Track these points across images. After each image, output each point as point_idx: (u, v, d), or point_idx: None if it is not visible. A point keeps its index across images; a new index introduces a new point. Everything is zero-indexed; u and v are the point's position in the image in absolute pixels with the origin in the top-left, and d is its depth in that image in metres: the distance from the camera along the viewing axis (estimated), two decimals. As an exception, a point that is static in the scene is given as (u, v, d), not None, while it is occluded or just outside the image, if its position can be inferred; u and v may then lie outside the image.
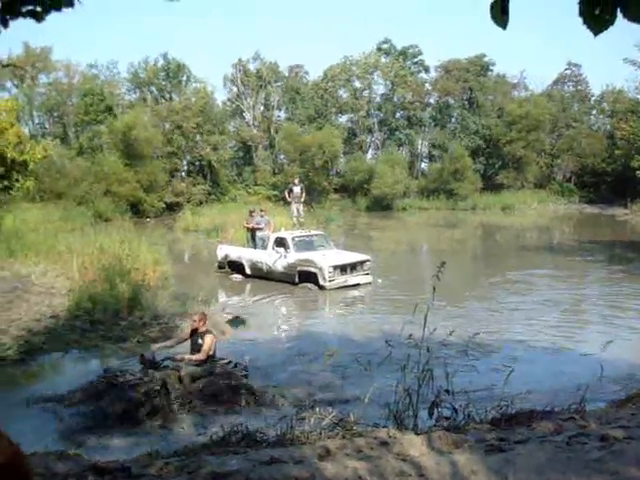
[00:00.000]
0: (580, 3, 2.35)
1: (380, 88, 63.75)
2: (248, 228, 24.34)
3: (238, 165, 60.04)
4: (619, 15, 2.33)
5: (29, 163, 26.77)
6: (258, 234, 23.46)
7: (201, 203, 50.14)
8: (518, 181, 57.63)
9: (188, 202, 49.92)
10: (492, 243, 36.44)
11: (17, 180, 26.50)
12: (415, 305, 6.66)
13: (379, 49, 63.85)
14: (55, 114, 57.76)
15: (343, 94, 63.35)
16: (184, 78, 57.52)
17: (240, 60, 59.96)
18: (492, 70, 62.93)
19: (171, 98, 56.89)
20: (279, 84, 62.39)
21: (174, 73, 56.64)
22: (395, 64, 61.36)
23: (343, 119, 64.58)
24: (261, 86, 60.27)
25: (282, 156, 59.01)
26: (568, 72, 64.27)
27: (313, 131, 56.12)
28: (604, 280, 21.94)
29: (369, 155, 63.47)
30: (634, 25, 2.37)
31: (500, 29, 2.47)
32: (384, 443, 5.13)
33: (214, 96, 57.74)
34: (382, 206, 53.15)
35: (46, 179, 40.96)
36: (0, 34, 2.79)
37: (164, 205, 49.04)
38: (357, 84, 63.07)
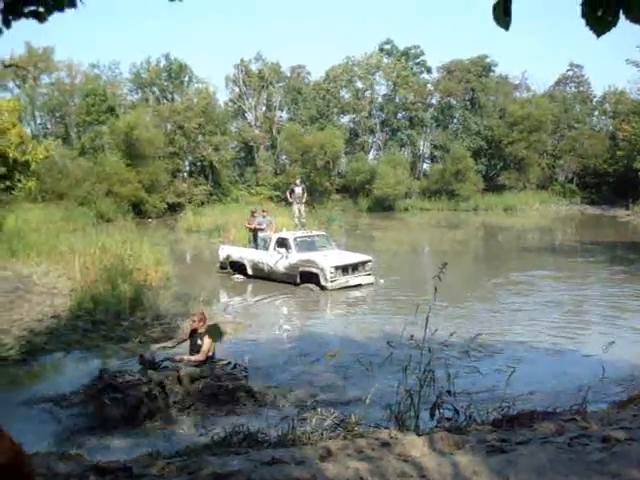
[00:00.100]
0: (582, 4, 2.35)
1: (382, 89, 63.92)
2: (250, 229, 24.35)
3: (240, 165, 60.07)
4: (622, 16, 2.33)
5: (31, 163, 26.86)
6: (260, 235, 23.47)
7: (203, 204, 50.19)
8: (520, 182, 57.62)
9: (190, 202, 49.98)
10: (494, 244, 36.44)
11: (19, 180, 26.58)
12: (417, 306, 6.66)
13: (381, 50, 63.87)
14: (57, 114, 57.85)
15: (345, 94, 63.44)
16: (186, 78, 57.61)
17: (242, 60, 60.10)
18: (494, 71, 63.03)
19: (173, 98, 56.96)
20: (281, 84, 62.45)
21: (176, 73, 56.69)
22: (397, 65, 61.36)
23: (345, 119, 64.68)
24: (263, 86, 60.30)
25: (284, 156, 59.06)
26: (570, 73, 64.33)
27: (315, 131, 56.18)
28: (606, 281, 21.93)
29: (371, 156, 63.53)
30: (636, 26, 2.38)
31: (502, 30, 2.47)
32: (385, 444, 5.13)
33: (216, 96, 57.98)
34: (384, 207, 53.19)
35: (48, 179, 40.99)
36: (2, 34, 2.80)
37: (166, 205, 49.09)
38: (359, 84, 63.17)
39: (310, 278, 20.17)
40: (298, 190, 27.74)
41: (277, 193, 51.85)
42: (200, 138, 53.41)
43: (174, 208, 49.25)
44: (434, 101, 63.92)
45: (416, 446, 4.95)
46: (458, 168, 54.11)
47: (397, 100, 62.29)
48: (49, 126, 58.62)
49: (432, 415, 6.12)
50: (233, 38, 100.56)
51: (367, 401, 6.40)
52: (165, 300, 17.13)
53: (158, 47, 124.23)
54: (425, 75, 64.66)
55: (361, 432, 5.75)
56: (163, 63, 57.05)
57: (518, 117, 56.41)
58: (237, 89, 61.16)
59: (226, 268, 23.20)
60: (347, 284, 20.08)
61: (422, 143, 64.23)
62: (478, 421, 6.10)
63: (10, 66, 42.30)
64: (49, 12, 2.81)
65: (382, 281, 20.75)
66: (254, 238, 23.82)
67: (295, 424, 6.18)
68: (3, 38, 2.83)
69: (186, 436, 8.19)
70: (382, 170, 53.72)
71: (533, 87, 65.16)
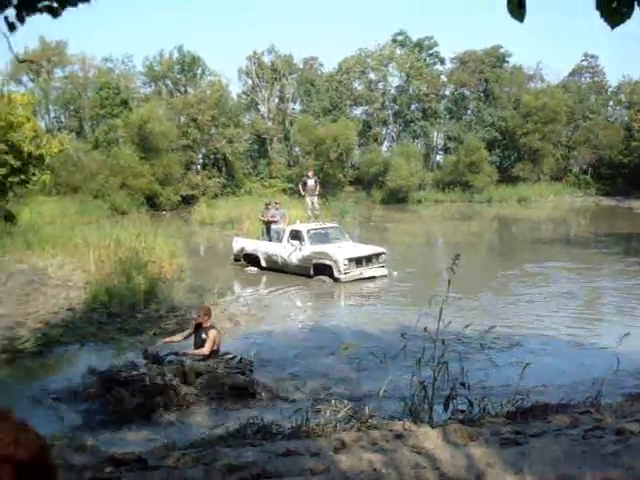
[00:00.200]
0: (597, -4, 2.33)
1: (395, 80, 63.69)
2: (263, 221, 24.38)
3: (253, 158, 60.06)
4: (636, 7, 2.31)
5: (45, 157, 26.96)
6: (273, 227, 23.50)
7: (216, 196, 50.30)
8: (534, 173, 57.33)
9: (203, 195, 50.09)
10: (508, 235, 36.33)
11: (34, 174, 26.68)
12: (430, 298, 6.65)
13: (394, 41, 63.58)
14: (71, 108, 58.07)
15: (358, 86, 63.24)
16: (199, 71, 57.72)
17: (255, 53, 59.95)
18: (508, 62, 62.63)
19: (186, 91, 57.05)
20: (294, 76, 62.30)
21: (189, 66, 56.78)
22: (410, 56, 61.12)
23: (358, 111, 64.57)
24: (276, 79, 60.22)
25: (297, 149, 59.09)
26: (585, 63, 63.80)
27: (328, 123, 56.04)
28: (620, 273, 21.80)
29: (384, 147, 63.47)
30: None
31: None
32: (399, 436, 5.15)
33: (229, 89, 58.15)
34: (397, 199, 53.07)
35: (62, 173, 41.22)
36: (16, 29, 2.82)
37: (180, 198, 49.27)
38: (372, 76, 62.97)
39: (323, 270, 20.17)
40: (311, 182, 27.70)
41: (290, 185, 51.77)
42: (213, 130, 53.51)
43: (188, 200, 49.38)
44: (447, 92, 63.73)
45: (430, 438, 4.96)
46: (472, 159, 53.86)
47: (410, 91, 61.99)
48: (63, 120, 58.90)
49: (446, 407, 6.14)
50: (246, 31, 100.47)
51: (381, 393, 6.42)
52: (179, 292, 17.19)
53: (171, 40, 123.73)
54: (438, 66, 64.46)
55: (375, 424, 5.76)
56: (176, 56, 57.12)
57: (532, 108, 56.02)
58: (250, 81, 61.13)
59: (240, 260, 23.25)
60: (360, 276, 20.07)
61: (435, 134, 63.98)
62: (492, 413, 6.11)
63: (24, 61, 42.48)
64: (63, 7, 2.82)
65: (395, 273, 20.72)
66: (267, 230, 23.84)
67: (309, 416, 6.20)
68: (17, 32, 2.85)
69: (200, 428, 8.22)
70: (395, 162, 53.60)
71: (547, 78, 64.78)
